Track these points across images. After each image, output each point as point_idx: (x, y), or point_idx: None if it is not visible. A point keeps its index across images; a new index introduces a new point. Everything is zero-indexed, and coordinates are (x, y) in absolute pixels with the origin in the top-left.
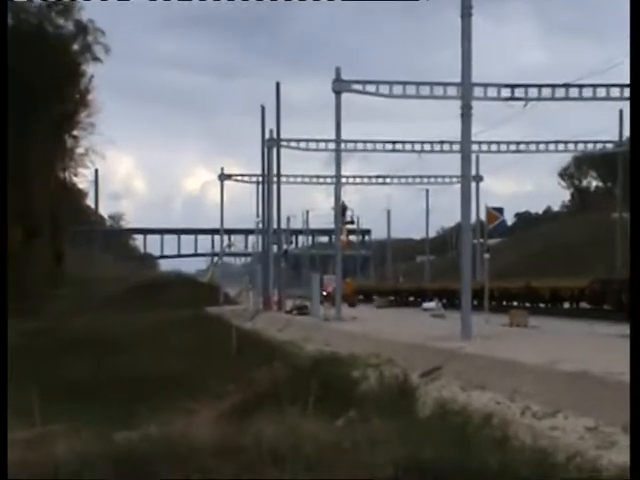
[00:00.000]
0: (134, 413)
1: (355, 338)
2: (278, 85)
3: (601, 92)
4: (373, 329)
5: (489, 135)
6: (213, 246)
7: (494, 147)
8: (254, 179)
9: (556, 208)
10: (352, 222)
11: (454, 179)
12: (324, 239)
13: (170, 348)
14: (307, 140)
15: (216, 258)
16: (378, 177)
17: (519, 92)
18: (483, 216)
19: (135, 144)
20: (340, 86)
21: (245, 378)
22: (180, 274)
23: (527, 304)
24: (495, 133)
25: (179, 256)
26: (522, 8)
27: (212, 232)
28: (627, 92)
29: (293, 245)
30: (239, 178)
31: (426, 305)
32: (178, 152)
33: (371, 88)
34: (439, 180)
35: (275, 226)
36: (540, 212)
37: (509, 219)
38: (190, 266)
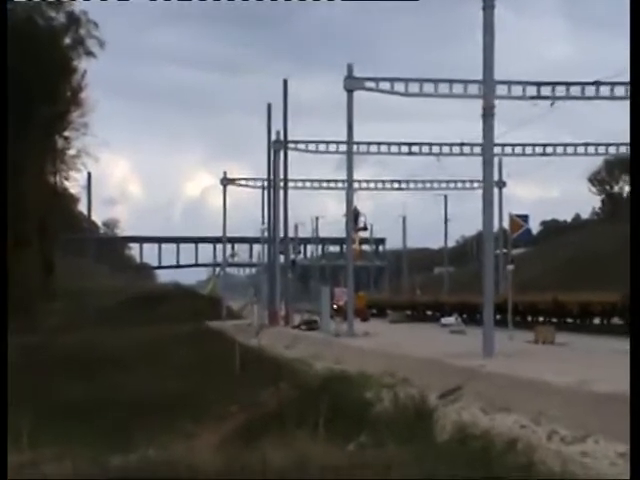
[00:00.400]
0: (131, 436)
1: (368, 355)
2: (285, 82)
3: None
4: (387, 346)
5: (513, 137)
6: (215, 256)
7: (518, 150)
8: (259, 184)
9: (585, 215)
10: (365, 228)
11: (475, 184)
12: (335, 249)
13: (169, 366)
14: (317, 142)
15: (218, 269)
16: (393, 182)
17: (545, 90)
18: (506, 224)
19: (131, 146)
20: (352, 84)
21: (249, 399)
22: (179, 286)
23: (554, 320)
24: (519, 135)
25: (178, 266)
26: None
27: (214, 241)
28: None
29: (301, 255)
30: (243, 183)
31: (445, 320)
32: (178, 154)
33: (385, 86)
34: (459, 185)
35: (282, 234)
36: (568, 220)
37: (534, 227)
38: (190, 277)
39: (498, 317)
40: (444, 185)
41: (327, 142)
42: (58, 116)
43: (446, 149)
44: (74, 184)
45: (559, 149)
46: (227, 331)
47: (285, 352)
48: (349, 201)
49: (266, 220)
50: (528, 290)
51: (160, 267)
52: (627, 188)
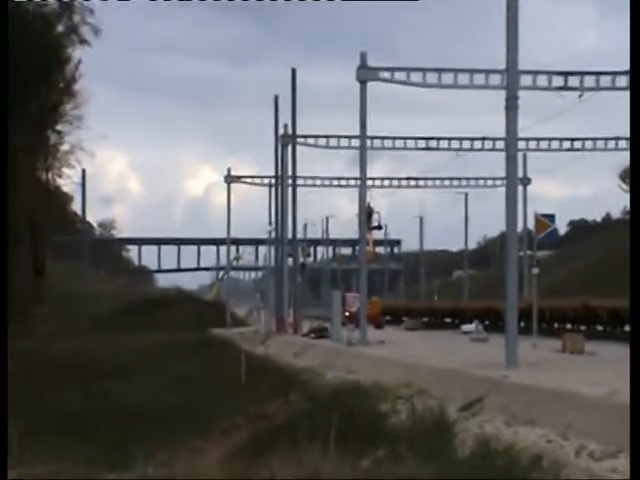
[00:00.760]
0: (129, 452)
1: (382, 365)
2: (294, 72)
3: None
4: (403, 355)
5: (538, 131)
6: (218, 259)
7: (544, 144)
8: (266, 181)
9: (616, 215)
10: (380, 227)
11: (497, 182)
12: (347, 251)
13: (170, 376)
14: (327, 136)
15: (222, 273)
16: (409, 179)
17: (573, 81)
18: (531, 224)
19: (129, 141)
20: (366, 74)
21: (256, 411)
22: (180, 291)
23: (583, 327)
24: (545, 128)
25: (179, 270)
26: None
27: (217, 242)
28: None
29: (311, 258)
30: (249, 180)
31: (465, 328)
32: (179, 150)
33: (401, 76)
34: (480, 183)
35: (290, 236)
36: (598, 219)
37: (562, 228)
38: (192, 282)
39: (522, 324)
40: (464, 183)
41: (339, 137)
42: (50, 108)
43: (466, 144)
44: (67, 182)
45: (588, 144)
46: (232, 339)
47: (294, 361)
48: (362, 200)
49: (273, 220)
50: (555, 295)
51: (160, 271)
52: None
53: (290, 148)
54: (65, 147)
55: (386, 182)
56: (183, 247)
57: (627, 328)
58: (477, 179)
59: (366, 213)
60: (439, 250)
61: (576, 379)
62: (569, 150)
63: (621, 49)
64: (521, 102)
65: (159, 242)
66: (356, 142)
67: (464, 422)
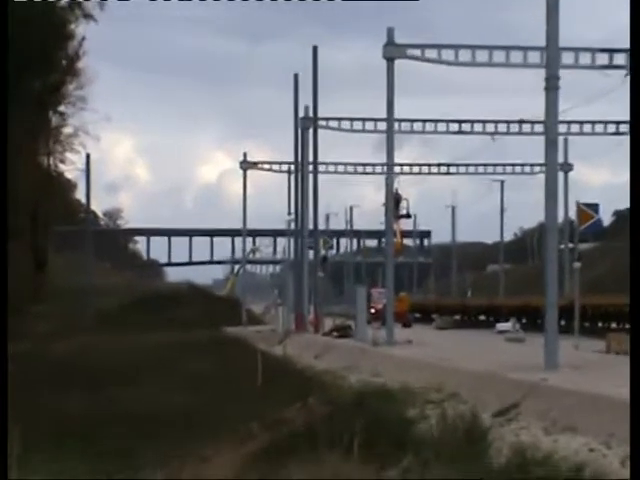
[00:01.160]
0: (136, 459)
1: (410, 367)
2: (315, 50)
3: None
4: (433, 356)
5: (581, 113)
6: (233, 251)
7: (587, 128)
8: (285, 168)
9: None
10: (408, 216)
11: (536, 168)
12: (372, 243)
13: (180, 378)
14: (351, 119)
15: (237, 266)
16: (440, 165)
17: (619, 58)
18: (573, 214)
19: (137, 123)
20: (393, 51)
21: (274, 416)
22: (192, 286)
23: (629, 326)
24: (588, 110)
25: (191, 263)
26: None
27: (232, 234)
28: None
29: (333, 250)
30: (266, 166)
31: (500, 326)
32: (191, 133)
33: (432, 54)
34: (517, 169)
35: (311, 226)
36: None
37: (606, 218)
38: (205, 276)
39: (562, 323)
40: (500, 169)
41: (364, 119)
42: (52, 88)
43: (502, 127)
44: (70, 167)
45: None
46: (247, 338)
47: (314, 363)
48: (389, 187)
49: (292, 210)
50: (598, 291)
51: (170, 264)
52: None
53: (311, 132)
54: (68, 130)
55: (415, 169)
56: (195, 238)
57: None
58: (514, 165)
59: (393, 200)
60: (472, 242)
61: (621, 383)
62: (614, 134)
63: None
64: (562, 82)
65: (169, 233)
66: (382, 125)
67: (499, 429)
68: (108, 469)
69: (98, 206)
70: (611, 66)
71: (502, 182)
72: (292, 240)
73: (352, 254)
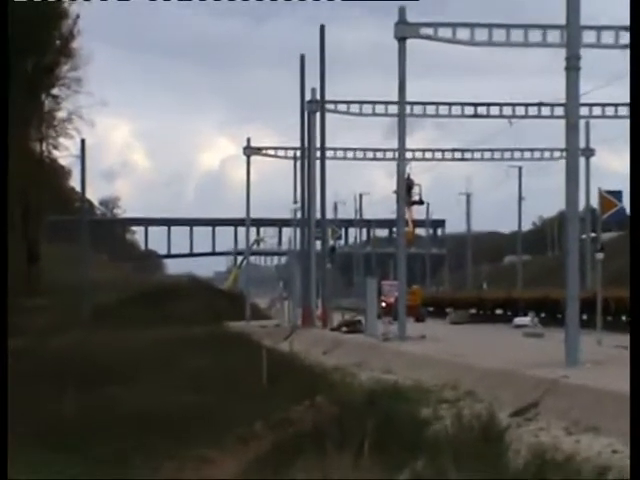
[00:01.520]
0: (132, 463)
1: (424, 364)
2: (322, 29)
3: None
4: (447, 352)
5: (603, 95)
6: (236, 242)
7: (610, 111)
8: (291, 153)
9: None
10: (421, 202)
11: (556, 153)
12: (383, 233)
13: (181, 376)
14: (361, 102)
15: (240, 258)
16: (455, 151)
17: None
18: (595, 203)
19: (134, 107)
20: (405, 30)
21: (279, 416)
22: (193, 279)
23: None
24: (611, 92)
25: (191, 255)
26: None
27: (235, 223)
28: None
29: (342, 241)
30: (271, 152)
31: (518, 321)
32: (191, 118)
33: (446, 33)
34: (536, 155)
35: (318, 216)
36: None
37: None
38: (206, 268)
39: (584, 317)
40: (518, 155)
41: (374, 102)
42: (45, 70)
43: (520, 110)
44: (64, 154)
45: None
46: (252, 334)
47: (322, 359)
48: (400, 174)
49: (299, 198)
50: (622, 283)
51: (170, 256)
52: None
53: (318, 115)
54: (62, 114)
55: (428, 154)
56: (196, 229)
57: None
58: (532, 150)
59: (405, 186)
60: (488, 232)
61: None
62: None
63: None
64: (583, 62)
65: (169, 223)
66: (394, 108)
67: (517, 429)
68: (102, 472)
69: (94, 194)
70: None
71: (520, 168)
72: (298, 230)
73: (362, 244)
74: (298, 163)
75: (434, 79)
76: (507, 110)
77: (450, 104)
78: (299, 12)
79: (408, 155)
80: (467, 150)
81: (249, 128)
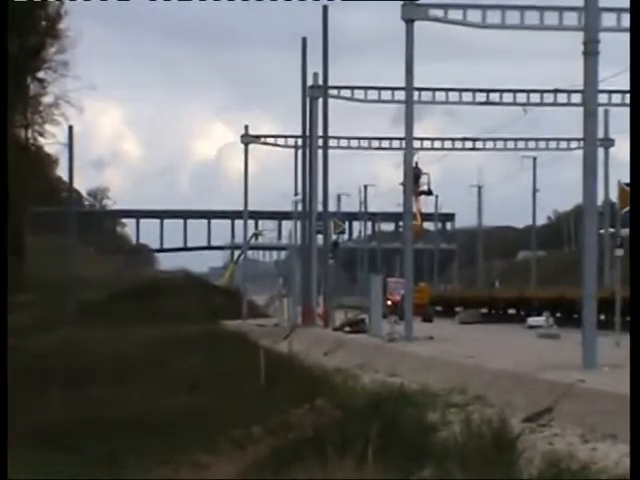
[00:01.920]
0: (124, 467)
1: (431, 366)
2: (325, 10)
3: None
4: (457, 353)
5: (623, 81)
6: (233, 236)
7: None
8: (291, 142)
9: None
10: (430, 192)
11: (573, 143)
12: (389, 227)
13: (173, 378)
14: (366, 88)
15: (237, 253)
16: (465, 140)
17: None
18: (614, 196)
19: (125, 91)
20: (413, 12)
21: (278, 420)
22: (187, 275)
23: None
24: None
25: (185, 249)
26: None
27: (232, 216)
28: None
29: (345, 235)
30: (270, 140)
31: (532, 321)
32: (185, 103)
33: (457, 15)
34: (551, 145)
35: (320, 208)
36: None
37: None
38: (201, 264)
39: (602, 317)
40: (532, 145)
41: (379, 88)
42: (30, 52)
43: (535, 98)
44: (51, 141)
45: None
46: (249, 333)
47: (324, 361)
48: (408, 165)
49: (300, 189)
50: None
51: (162, 250)
52: None
53: (321, 102)
54: (48, 99)
55: (437, 144)
56: (190, 221)
57: None
58: (548, 140)
59: (413, 175)
60: (501, 226)
61: None
62: None
63: None
64: (602, 46)
65: (161, 215)
66: (401, 95)
67: (530, 436)
68: (94, 474)
69: (82, 185)
70: None
71: (534, 159)
72: (299, 223)
73: (366, 239)
74: (299, 152)
75: (444, 64)
76: (521, 97)
77: (461, 90)
78: None
79: (416, 144)
80: (478, 139)
81: (248, 114)
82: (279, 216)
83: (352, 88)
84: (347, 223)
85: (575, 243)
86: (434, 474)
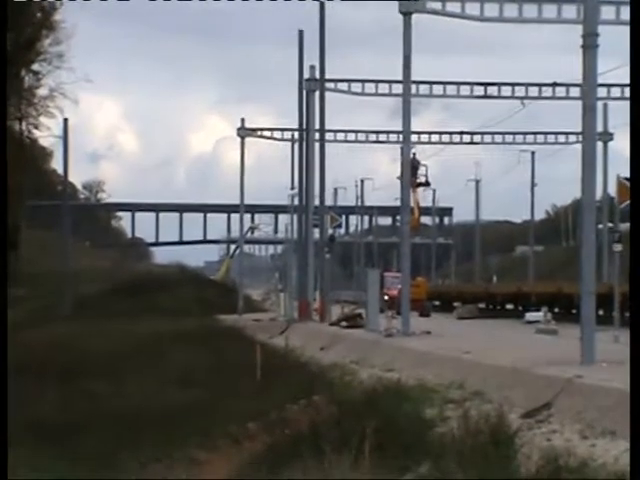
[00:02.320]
0: (118, 465)
1: (428, 361)
2: (322, 3)
3: None
4: (454, 349)
5: (623, 75)
6: (229, 229)
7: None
8: (288, 135)
9: None
10: (427, 184)
11: (572, 137)
12: (386, 221)
13: (169, 373)
14: (363, 81)
15: (233, 247)
16: (463, 134)
17: None
18: (613, 190)
19: (121, 84)
20: (410, 5)
21: (273, 416)
22: (182, 269)
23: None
24: None
25: (181, 243)
26: None
27: (228, 210)
28: None
29: (342, 229)
30: (267, 133)
31: (530, 316)
32: (182, 95)
33: (454, 7)
34: (550, 139)
35: (317, 202)
36: None
37: None
38: (197, 258)
39: (601, 312)
40: (530, 139)
41: (377, 81)
42: (24, 44)
43: (533, 91)
44: (46, 134)
45: None
46: (245, 328)
47: (320, 356)
48: (405, 158)
49: (296, 183)
50: None
51: (158, 244)
52: None
53: (317, 95)
54: (43, 91)
55: (434, 137)
56: (186, 215)
57: None
58: (546, 134)
59: (410, 167)
60: (498, 221)
61: None
62: None
63: None
64: (601, 40)
65: (157, 208)
66: (398, 88)
67: (528, 432)
68: (88, 471)
69: (77, 178)
70: None
71: (533, 153)
72: (295, 217)
73: (363, 233)
74: (296, 145)
75: (441, 57)
76: (519, 91)
77: (458, 84)
78: None
79: (413, 138)
80: (476, 133)
81: (244, 107)
82: (275, 210)
83: (349, 81)
84: (344, 217)
85: (573, 238)
86: (431, 470)
